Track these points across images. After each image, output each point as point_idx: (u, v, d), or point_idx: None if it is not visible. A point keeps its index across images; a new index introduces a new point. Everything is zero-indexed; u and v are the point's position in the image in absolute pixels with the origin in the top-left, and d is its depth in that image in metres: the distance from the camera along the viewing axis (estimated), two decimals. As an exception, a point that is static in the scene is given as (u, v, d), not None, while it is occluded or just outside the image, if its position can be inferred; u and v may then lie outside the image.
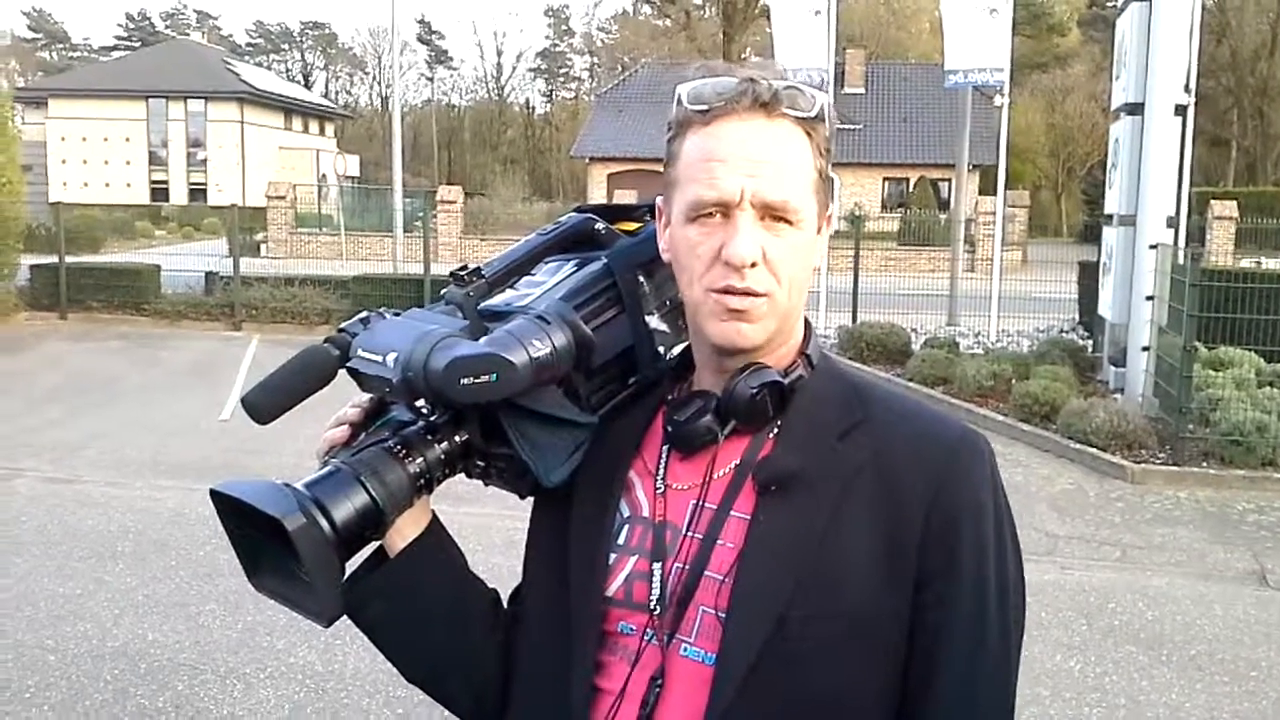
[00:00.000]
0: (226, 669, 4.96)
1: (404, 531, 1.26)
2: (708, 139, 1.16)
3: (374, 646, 1.32)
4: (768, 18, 19.68)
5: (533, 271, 1.32)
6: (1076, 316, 16.18)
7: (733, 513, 1.18)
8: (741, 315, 1.17)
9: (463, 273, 1.27)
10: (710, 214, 1.16)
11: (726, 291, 1.16)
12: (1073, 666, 5.18)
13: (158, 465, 8.62)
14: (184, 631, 5.36)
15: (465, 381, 1.11)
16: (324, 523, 1.13)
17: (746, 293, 1.15)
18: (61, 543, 6.65)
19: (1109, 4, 46.06)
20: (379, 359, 1.18)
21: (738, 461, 1.21)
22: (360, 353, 1.20)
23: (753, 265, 1.14)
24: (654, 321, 1.31)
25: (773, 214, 1.15)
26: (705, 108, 1.17)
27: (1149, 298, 10.37)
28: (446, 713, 1.36)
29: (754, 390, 1.19)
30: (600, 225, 1.36)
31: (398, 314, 1.26)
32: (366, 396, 1.28)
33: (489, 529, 5.78)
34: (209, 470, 8.28)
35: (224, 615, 5.55)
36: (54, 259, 16.78)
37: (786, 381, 1.21)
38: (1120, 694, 4.93)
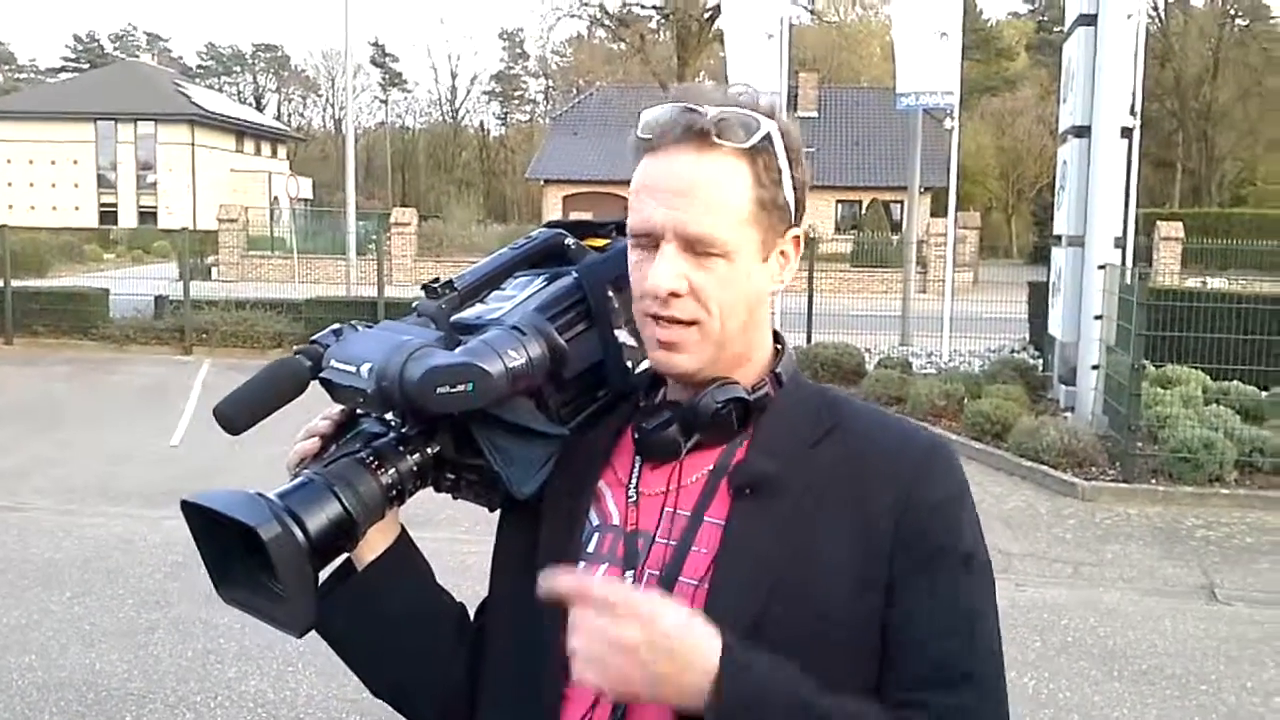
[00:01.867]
0: (176, 698, 4.88)
1: (373, 544, 1.26)
2: (646, 168, 1.19)
3: (330, 668, 1.32)
4: (721, 42, 19.83)
5: (502, 286, 1.33)
6: (1027, 336, 16.38)
7: (706, 518, 1.19)
8: (672, 347, 1.19)
9: (435, 284, 1.28)
10: (641, 243, 1.19)
11: (655, 317, 1.18)
12: (1027, 683, 5.22)
13: (106, 492, 8.48)
14: (132, 661, 5.27)
15: (441, 391, 1.11)
16: (298, 533, 1.13)
17: (670, 319, 1.17)
18: (6, 571, 6.52)
19: (1056, 29, 46.85)
20: (352, 369, 1.18)
21: (712, 467, 1.22)
22: (333, 363, 1.20)
23: (675, 294, 1.16)
24: (623, 336, 1.32)
25: (695, 249, 1.17)
26: (649, 137, 1.19)
27: (1097, 317, 10.51)
28: (400, 737, 1.35)
29: (719, 405, 1.21)
30: (570, 241, 1.38)
31: (370, 326, 1.26)
32: (337, 408, 1.28)
33: (441, 554, 5.71)
34: (158, 497, 8.15)
35: (173, 644, 5.46)
36: (-1, 283, 16.49)
37: (751, 398, 1.23)
38: (1074, 709, 4.97)
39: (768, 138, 1.18)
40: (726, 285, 1.18)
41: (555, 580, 1.07)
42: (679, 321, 1.18)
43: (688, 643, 1.04)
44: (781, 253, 1.24)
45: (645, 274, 1.18)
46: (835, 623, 1.14)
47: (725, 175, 1.17)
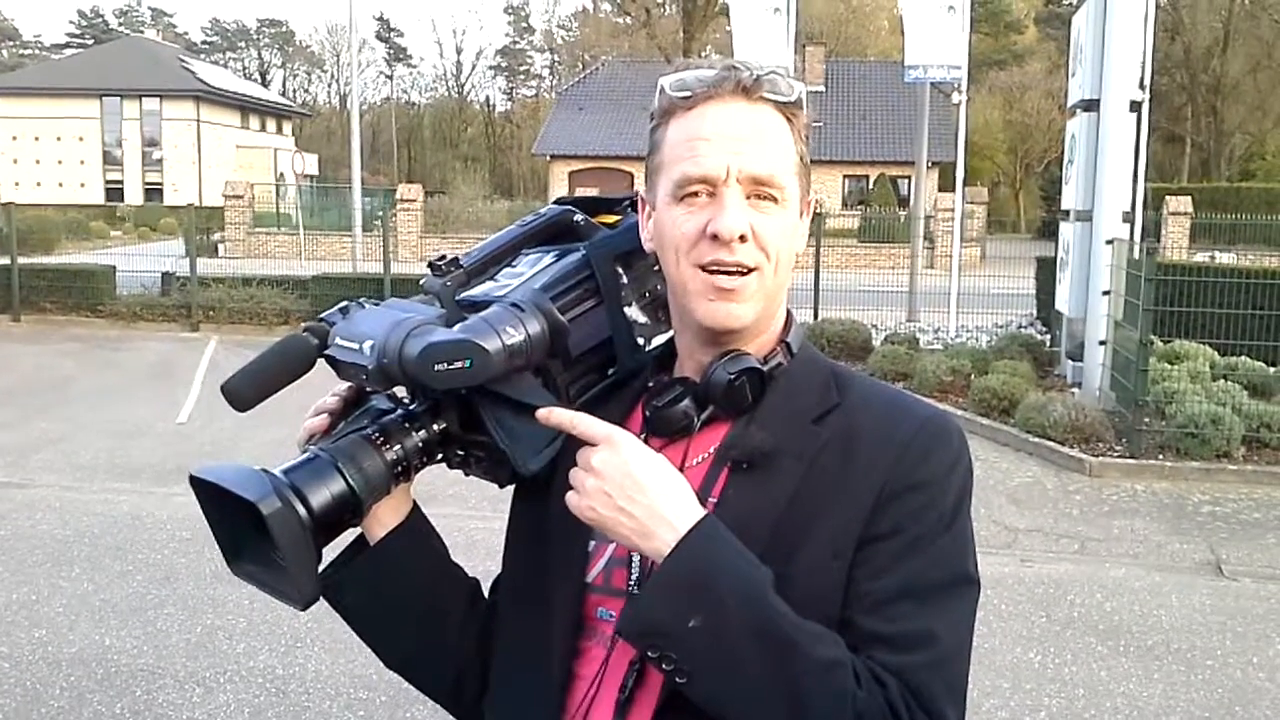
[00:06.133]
0: (185, 674, 4.90)
1: (384, 520, 1.28)
2: (691, 122, 1.19)
3: (338, 644, 1.33)
4: (727, 15, 19.72)
5: (513, 263, 1.33)
6: (1034, 311, 16.33)
7: (711, 498, 1.19)
8: (730, 295, 1.18)
9: (440, 262, 1.29)
10: (696, 193, 1.18)
11: (714, 265, 1.17)
12: (1032, 658, 5.23)
13: (113, 469, 8.51)
14: (141, 636, 5.29)
15: (439, 367, 1.12)
16: (300, 508, 1.14)
17: (736, 266, 1.17)
18: (15, 547, 6.55)
19: (1065, 1, 46.58)
20: (355, 346, 1.19)
21: (717, 445, 1.22)
22: (338, 341, 1.22)
23: (741, 239, 1.16)
24: (633, 313, 1.32)
25: (759, 191, 1.17)
26: (688, 94, 1.20)
27: (1105, 292, 10.47)
28: (408, 715, 1.36)
29: (732, 376, 1.20)
30: (579, 217, 1.38)
31: (377, 304, 1.27)
32: (346, 385, 1.30)
33: (449, 530, 5.73)
34: (166, 474, 8.18)
35: (182, 620, 5.48)
36: (6, 260, 16.46)
37: (766, 368, 1.22)
38: (1079, 684, 4.98)
39: (802, 96, 1.22)
40: (781, 231, 1.20)
41: (551, 413, 1.15)
42: (743, 267, 1.17)
43: (662, 487, 1.10)
44: (800, 214, 1.25)
45: (702, 223, 1.17)
46: (810, 596, 1.11)
47: (776, 125, 1.20)
